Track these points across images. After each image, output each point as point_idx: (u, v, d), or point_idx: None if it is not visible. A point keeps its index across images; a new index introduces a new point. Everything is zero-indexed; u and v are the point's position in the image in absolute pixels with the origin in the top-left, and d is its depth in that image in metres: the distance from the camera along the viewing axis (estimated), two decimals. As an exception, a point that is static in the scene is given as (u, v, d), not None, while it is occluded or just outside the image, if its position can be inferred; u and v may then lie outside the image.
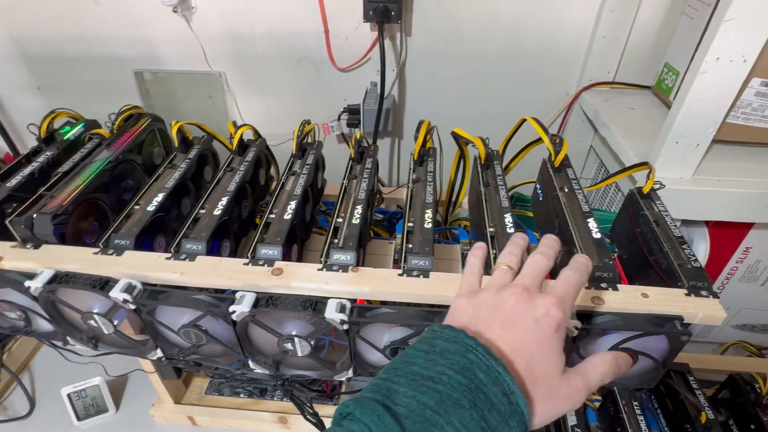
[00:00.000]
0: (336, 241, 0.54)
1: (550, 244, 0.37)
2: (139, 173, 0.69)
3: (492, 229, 0.55)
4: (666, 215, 0.56)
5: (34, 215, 0.54)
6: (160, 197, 0.59)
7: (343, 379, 0.54)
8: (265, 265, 0.51)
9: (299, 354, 0.51)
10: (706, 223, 0.87)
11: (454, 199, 0.76)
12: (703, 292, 0.47)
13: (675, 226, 0.54)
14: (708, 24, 0.67)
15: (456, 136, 0.67)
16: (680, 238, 0.52)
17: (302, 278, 0.49)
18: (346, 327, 0.47)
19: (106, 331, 0.53)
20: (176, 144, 0.68)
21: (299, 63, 1.16)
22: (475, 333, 0.29)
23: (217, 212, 0.57)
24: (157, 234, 0.59)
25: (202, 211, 0.58)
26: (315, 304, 0.47)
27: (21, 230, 0.54)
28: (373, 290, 0.48)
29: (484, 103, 1.18)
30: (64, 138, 0.69)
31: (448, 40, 1.09)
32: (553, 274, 0.36)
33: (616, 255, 0.61)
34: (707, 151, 0.76)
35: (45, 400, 0.80)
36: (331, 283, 0.49)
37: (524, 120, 0.67)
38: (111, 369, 0.84)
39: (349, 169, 0.66)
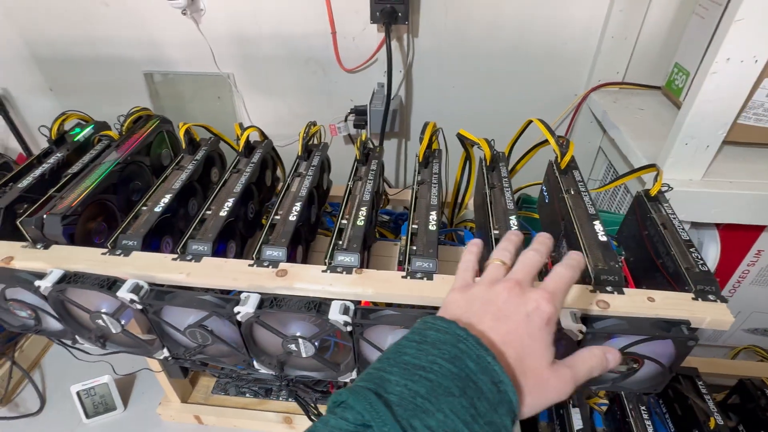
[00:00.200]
0: (340, 242, 0.54)
1: (543, 241, 0.37)
2: (147, 174, 0.69)
3: (497, 231, 0.54)
4: (674, 218, 0.55)
5: (44, 216, 0.54)
6: (167, 198, 0.60)
7: (348, 380, 0.54)
8: (270, 267, 0.51)
9: (303, 355, 0.51)
10: (717, 225, 0.85)
11: (459, 200, 0.75)
12: (711, 297, 0.46)
13: (682, 228, 0.53)
14: (719, 24, 0.66)
15: (461, 138, 0.67)
16: (688, 242, 0.52)
17: (306, 280, 0.50)
18: (349, 329, 0.47)
19: (113, 331, 0.54)
20: (184, 145, 0.68)
21: (306, 64, 1.16)
22: (467, 325, 0.29)
23: (223, 213, 0.58)
24: (164, 235, 0.59)
25: (209, 213, 0.58)
26: (319, 306, 0.48)
27: (31, 230, 0.55)
28: (377, 292, 0.48)
29: (490, 104, 1.17)
30: (75, 139, 0.70)
31: (455, 40, 1.09)
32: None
33: (623, 258, 0.61)
34: (717, 153, 0.75)
35: (55, 398, 0.82)
36: (335, 284, 0.49)
37: (531, 121, 0.67)
38: (119, 368, 0.85)
39: (354, 170, 0.66)
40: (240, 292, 0.49)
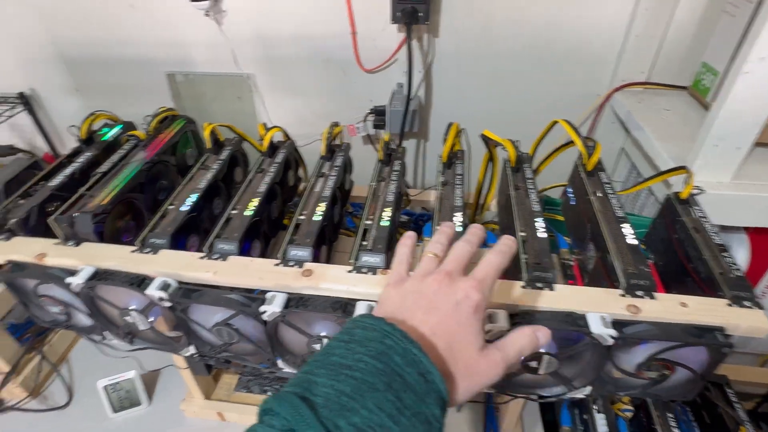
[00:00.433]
0: (365, 243, 0.54)
1: (474, 232, 0.38)
2: (173, 173, 0.70)
3: (523, 234, 0.54)
4: (705, 221, 0.54)
5: (76, 214, 0.56)
6: (193, 198, 0.61)
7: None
8: (296, 266, 0.52)
9: (328, 355, 0.51)
10: (746, 229, 0.83)
11: (481, 202, 0.75)
12: (747, 303, 0.45)
13: (715, 233, 0.52)
14: (751, 22, 0.64)
15: (485, 139, 0.66)
16: (720, 246, 0.50)
17: (332, 280, 0.50)
18: (375, 329, 0.47)
19: (141, 327, 0.55)
20: (208, 145, 0.69)
21: (326, 64, 1.17)
22: (400, 321, 0.31)
23: (248, 213, 0.58)
24: (190, 233, 0.60)
25: (234, 212, 0.59)
26: (345, 306, 0.48)
27: (63, 228, 0.56)
28: (403, 293, 0.48)
29: (510, 104, 1.16)
30: (103, 139, 0.72)
31: (476, 40, 1.08)
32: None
33: (651, 262, 0.59)
34: (748, 155, 0.73)
35: (81, 392, 0.83)
36: (360, 285, 0.49)
37: (555, 122, 0.66)
38: (144, 364, 0.86)
39: (378, 170, 0.66)
40: (265, 291, 0.50)
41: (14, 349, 0.77)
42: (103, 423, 0.77)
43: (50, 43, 1.22)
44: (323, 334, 0.50)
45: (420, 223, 0.83)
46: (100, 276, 0.52)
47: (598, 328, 0.43)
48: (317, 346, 0.50)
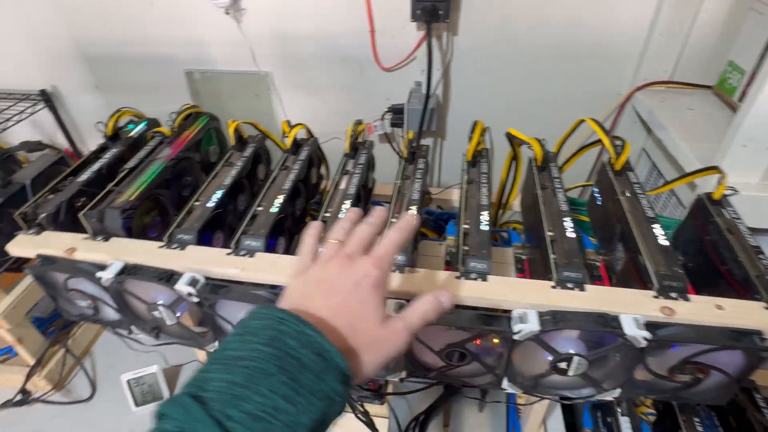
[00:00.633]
0: (391, 241, 0.54)
1: (376, 215, 0.39)
2: (197, 170, 0.71)
3: (551, 233, 0.53)
4: (739, 223, 0.53)
5: (105, 209, 0.56)
6: (219, 194, 0.61)
7: (396, 379, 0.54)
8: (322, 264, 0.51)
9: (354, 352, 0.51)
10: (774, 231, 0.81)
11: (504, 201, 0.74)
12: (785, 306, 0.44)
13: (750, 234, 0.51)
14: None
15: (510, 137, 0.66)
16: (756, 248, 0.49)
17: (359, 277, 0.49)
18: (404, 328, 0.47)
19: (168, 322, 0.55)
20: (232, 142, 0.69)
21: (344, 62, 1.17)
22: (302, 308, 0.32)
23: (274, 210, 0.58)
24: (215, 229, 0.60)
25: (260, 209, 0.59)
26: (373, 304, 0.47)
27: (93, 223, 0.57)
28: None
29: (530, 103, 1.15)
30: (129, 135, 0.72)
31: (496, 38, 1.07)
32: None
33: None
34: (779, 155, 0.71)
35: (104, 385, 0.84)
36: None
37: (582, 121, 0.65)
38: (166, 359, 0.87)
39: (402, 168, 0.66)
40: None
41: (39, 342, 0.78)
42: (126, 417, 0.78)
43: (71, 41, 1.23)
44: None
45: (440, 221, 0.82)
46: (129, 271, 0.53)
47: (632, 329, 0.43)
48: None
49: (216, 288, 0.51)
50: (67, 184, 0.63)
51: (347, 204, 0.59)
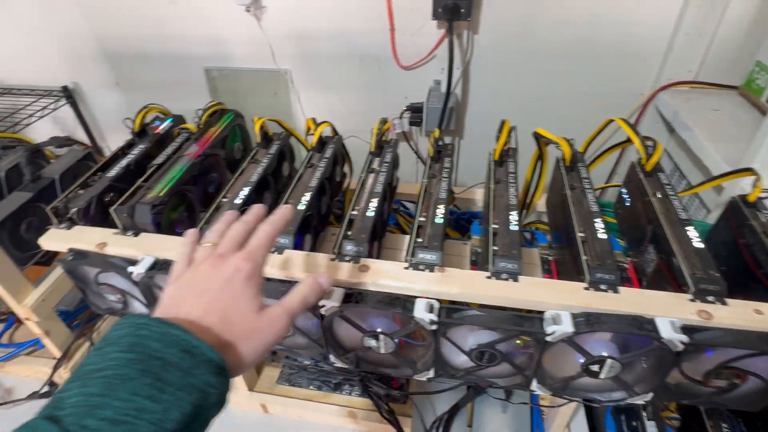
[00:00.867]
0: (420, 240, 0.53)
1: (252, 212, 0.40)
2: (222, 167, 0.71)
3: (582, 234, 0.53)
4: (775, 226, 0.52)
5: (135, 205, 0.57)
6: (245, 191, 0.61)
7: (424, 378, 0.54)
8: (352, 262, 0.52)
9: (382, 351, 0.51)
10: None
11: (528, 201, 0.74)
12: (826, 312, 0.43)
13: (787, 237, 0.50)
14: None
15: (537, 136, 0.65)
16: (794, 252, 0.48)
17: (389, 276, 0.50)
18: (434, 327, 0.47)
19: (196, 318, 0.56)
20: (258, 139, 0.70)
21: (363, 61, 1.17)
22: (174, 312, 0.32)
23: (301, 207, 0.58)
24: (242, 226, 0.61)
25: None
26: (404, 303, 0.47)
27: (123, 218, 0.57)
28: (462, 292, 0.48)
29: (550, 102, 1.14)
30: (155, 132, 0.73)
31: (517, 37, 1.06)
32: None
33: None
34: (812, 158, 0.70)
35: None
36: (418, 282, 0.49)
37: (611, 120, 0.65)
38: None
39: (428, 167, 0.65)
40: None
41: (65, 335, 0.79)
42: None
43: (93, 37, 1.25)
44: (378, 329, 0.50)
45: (462, 221, 0.82)
46: (160, 266, 0.53)
47: (669, 333, 0.42)
48: (372, 342, 0.50)
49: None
50: (97, 180, 0.63)
51: (374, 202, 0.59)
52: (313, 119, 0.69)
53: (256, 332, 0.33)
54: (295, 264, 0.52)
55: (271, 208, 0.61)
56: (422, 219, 0.56)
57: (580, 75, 1.09)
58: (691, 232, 0.51)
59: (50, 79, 1.33)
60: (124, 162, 0.66)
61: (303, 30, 1.14)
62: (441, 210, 0.57)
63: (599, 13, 1.00)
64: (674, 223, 0.53)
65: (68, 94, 1.33)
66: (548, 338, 0.45)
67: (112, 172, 0.64)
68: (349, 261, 0.52)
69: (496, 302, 0.48)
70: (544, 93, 1.13)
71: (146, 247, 0.55)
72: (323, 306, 0.48)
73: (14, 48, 1.30)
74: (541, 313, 0.46)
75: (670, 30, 0.99)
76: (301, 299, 0.37)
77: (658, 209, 0.54)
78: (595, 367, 0.47)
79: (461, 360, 0.51)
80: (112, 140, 1.48)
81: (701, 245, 0.49)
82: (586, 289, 0.47)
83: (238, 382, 0.76)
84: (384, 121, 0.69)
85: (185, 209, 0.64)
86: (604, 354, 0.46)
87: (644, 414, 0.65)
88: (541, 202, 0.75)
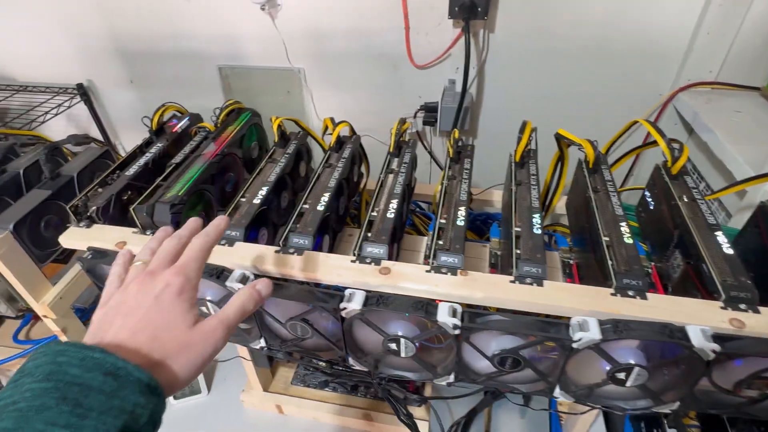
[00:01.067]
0: (441, 242, 0.53)
1: (187, 226, 0.40)
2: (239, 166, 0.71)
3: (607, 238, 0.52)
4: (808, 232, 0.50)
5: (155, 204, 0.57)
6: (264, 191, 0.61)
7: (443, 383, 0.53)
8: (372, 264, 0.51)
9: (403, 355, 0.50)
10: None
11: (547, 203, 0.72)
12: None
13: (820, 244, 0.49)
14: None
15: (559, 138, 0.64)
16: (828, 259, 0.47)
17: (411, 279, 0.49)
18: (457, 332, 0.46)
19: (215, 318, 0.55)
20: (276, 139, 0.69)
21: (377, 60, 1.16)
22: (100, 337, 0.32)
23: (320, 208, 0.58)
24: (260, 226, 0.60)
25: (306, 206, 0.59)
26: (426, 306, 0.47)
27: (142, 217, 0.57)
28: (486, 296, 0.47)
29: (566, 103, 1.13)
30: (173, 131, 0.73)
31: (534, 36, 1.05)
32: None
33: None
34: (841, 162, 0.68)
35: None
36: (441, 285, 0.48)
37: (635, 122, 0.63)
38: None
39: (448, 167, 0.65)
40: (335, 287, 0.50)
41: (82, 333, 0.79)
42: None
43: (108, 35, 1.25)
44: (399, 333, 0.49)
45: (477, 222, 0.81)
46: (179, 266, 0.53)
47: (700, 341, 0.41)
48: (393, 346, 0.50)
49: (265, 285, 0.51)
50: (116, 178, 0.63)
51: (394, 203, 0.58)
52: (332, 119, 0.68)
53: (190, 347, 0.33)
54: (314, 265, 0.51)
55: (288, 209, 0.61)
56: (443, 221, 0.55)
57: (597, 75, 1.08)
58: (720, 238, 0.50)
59: (65, 77, 1.34)
60: (142, 160, 0.66)
61: (317, 28, 1.13)
62: (462, 212, 0.56)
63: (618, 12, 0.99)
64: (702, 228, 0.51)
65: (83, 92, 1.33)
66: (574, 345, 0.44)
67: (131, 171, 0.64)
68: (369, 263, 0.51)
69: (521, 307, 0.47)
70: (560, 93, 1.12)
71: (165, 247, 0.55)
72: (344, 309, 0.48)
73: (30, 45, 1.31)
74: (565, 318, 0.45)
75: (691, 29, 0.98)
76: (237, 309, 0.36)
77: (686, 213, 0.53)
78: (621, 375, 0.46)
79: (483, 365, 0.50)
80: (125, 138, 1.49)
81: (731, 251, 0.48)
82: (613, 294, 0.46)
83: (254, 383, 0.75)
84: (403, 121, 0.68)
85: (203, 208, 0.64)
86: (632, 362, 0.45)
87: (665, 421, 0.64)
88: (559, 205, 0.74)
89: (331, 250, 0.63)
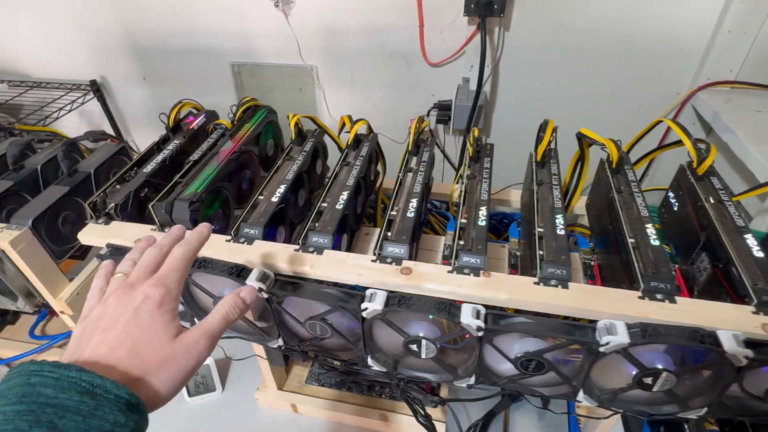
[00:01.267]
0: (462, 242, 0.52)
1: (169, 235, 0.39)
2: (256, 163, 0.71)
3: (632, 240, 0.51)
4: (840, 235, 0.49)
5: (174, 201, 0.56)
6: (282, 189, 0.60)
7: (464, 385, 0.52)
8: (393, 264, 0.50)
9: (423, 356, 0.50)
10: None
11: (566, 203, 0.71)
12: None
13: None
14: None
15: (581, 137, 0.63)
16: None
17: (433, 280, 0.48)
18: (481, 334, 0.45)
19: (233, 317, 0.55)
20: (293, 136, 0.69)
21: (391, 57, 1.15)
22: (78, 353, 0.31)
23: (339, 206, 0.57)
24: (278, 224, 0.60)
25: (324, 205, 0.58)
26: (449, 308, 0.46)
27: (161, 215, 0.57)
28: (510, 298, 0.46)
29: (582, 101, 1.11)
30: (190, 128, 0.72)
31: (550, 34, 1.04)
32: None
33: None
34: None
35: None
36: (463, 287, 0.48)
37: (659, 121, 0.62)
38: (219, 352, 0.87)
39: (467, 167, 0.64)
40: (354, 287, 0.49)
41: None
42: (180, 406, 0.79)
43: (122, 32, 1.25)
44: (420, 334, 0.48)
45: (493, 222, 0.80)
46: (198, 264, 0.52)
47: (732, 347, 0.40)
48: (414, 347, 0.49)
49: (285, 284, 0.51)
50: (133, 175, 0.63)
51: (414, 202, 0.57)
52: (349, 116, 0.68)
53: (171, 360, 0.32)
54: (334, 264, 0.51)
55: (304, 207, 0.61)
56: (464, 221, 0.55)
57: (614, 74, 1.06)
58: (750, 240, 0.49)
59: (79, 73, 1.34)
60: (159, 157, 0.66)
61: (331, 26, 1.13)
62: (483, 212, 0.55)
63: (636, 10, 0.97)
64: (731, 230, 0.50)
65: (96, 88, 1.34)
66: (602, 349, 0.43)
67: (149, 168, 0.64)
68: (390, 263, 0.51)
69: (546, 310, 0.46)
70: (575, 92, 1.11)
71: (184, 245, 0.54)
72: (365, 309, 0.47)
73: (44, 42, 1.32)
74: (584, 320, 0.44)
75: (712, 26, 0.96)
76: (221, 318, 0.36)
77: (713, 215, 0.52)
78: (648, 380, 0.45)
79: (505, 368, 0.49)
80: (137, 134, 1.49)
81: (761, 254, 0.47)
82: (641, 298, 0.45)
83: (269, 382, 0.75)
84: (422, 119, 0.68)
85: (220, 206, 0.63)
86: (659, 366, 0.44)
87: (686, 426, 0.63)
88: (578, 205, 0.73)
89: (349, 249, 0.62)
